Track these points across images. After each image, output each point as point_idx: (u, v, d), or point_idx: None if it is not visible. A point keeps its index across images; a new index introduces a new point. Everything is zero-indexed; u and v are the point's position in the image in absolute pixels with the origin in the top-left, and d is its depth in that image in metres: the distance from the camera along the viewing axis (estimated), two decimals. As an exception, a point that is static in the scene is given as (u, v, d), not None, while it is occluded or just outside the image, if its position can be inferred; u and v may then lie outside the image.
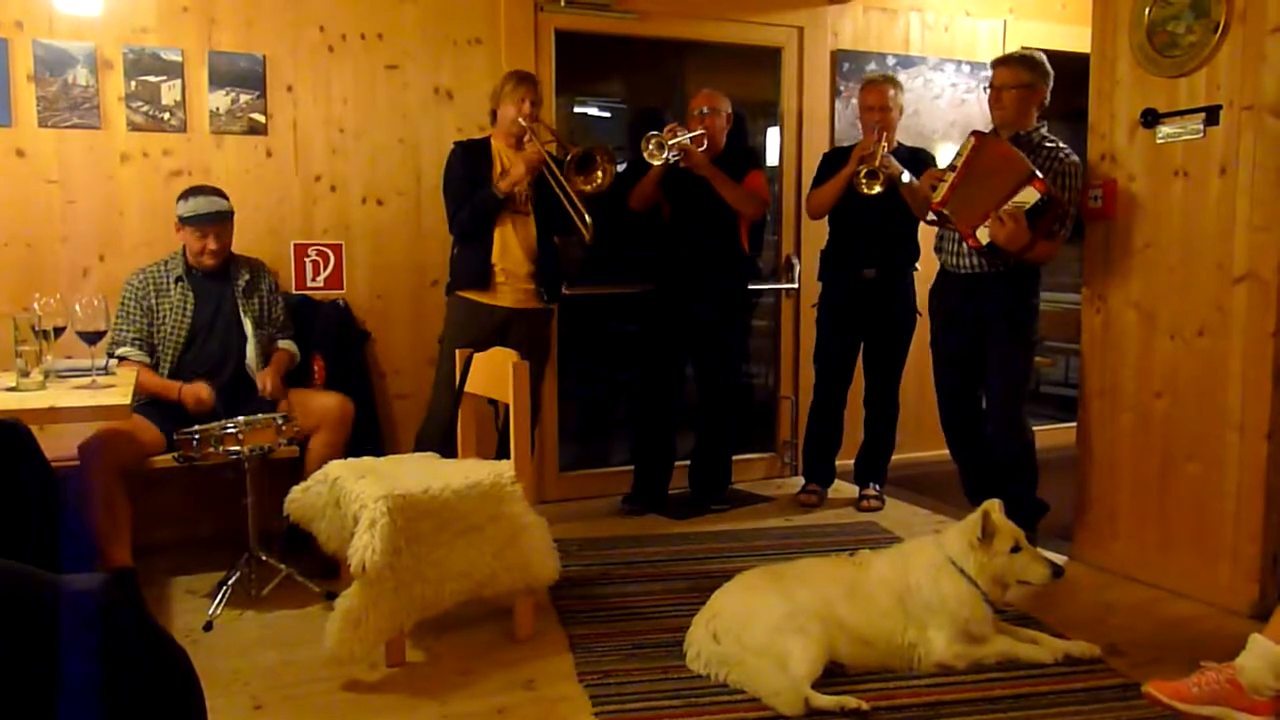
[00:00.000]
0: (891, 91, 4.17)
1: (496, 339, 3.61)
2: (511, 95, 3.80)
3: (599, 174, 3.77)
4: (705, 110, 4.16)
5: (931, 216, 3.71)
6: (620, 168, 4.69)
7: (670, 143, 3.97)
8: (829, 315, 4.40)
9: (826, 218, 4.37)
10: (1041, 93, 3.58)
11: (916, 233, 4.33)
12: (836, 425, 4.46)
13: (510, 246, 3.83)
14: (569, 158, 3.75)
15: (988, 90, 3.71)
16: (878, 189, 3.94)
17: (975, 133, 3.55)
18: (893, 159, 4.02)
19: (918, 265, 4.40)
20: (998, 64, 3.68)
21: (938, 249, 3.81)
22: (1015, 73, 3.58)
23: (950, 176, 3.51)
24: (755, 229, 4.39)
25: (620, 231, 4.48)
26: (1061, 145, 3.53)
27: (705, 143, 4.10)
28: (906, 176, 4.05)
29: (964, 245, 3.61)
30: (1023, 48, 3.79)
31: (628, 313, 4.56)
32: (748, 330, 4.42)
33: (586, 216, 3.70)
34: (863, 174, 3.95)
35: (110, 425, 3.09)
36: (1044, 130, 3.60)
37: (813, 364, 4.53)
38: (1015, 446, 3.67)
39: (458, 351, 3.35)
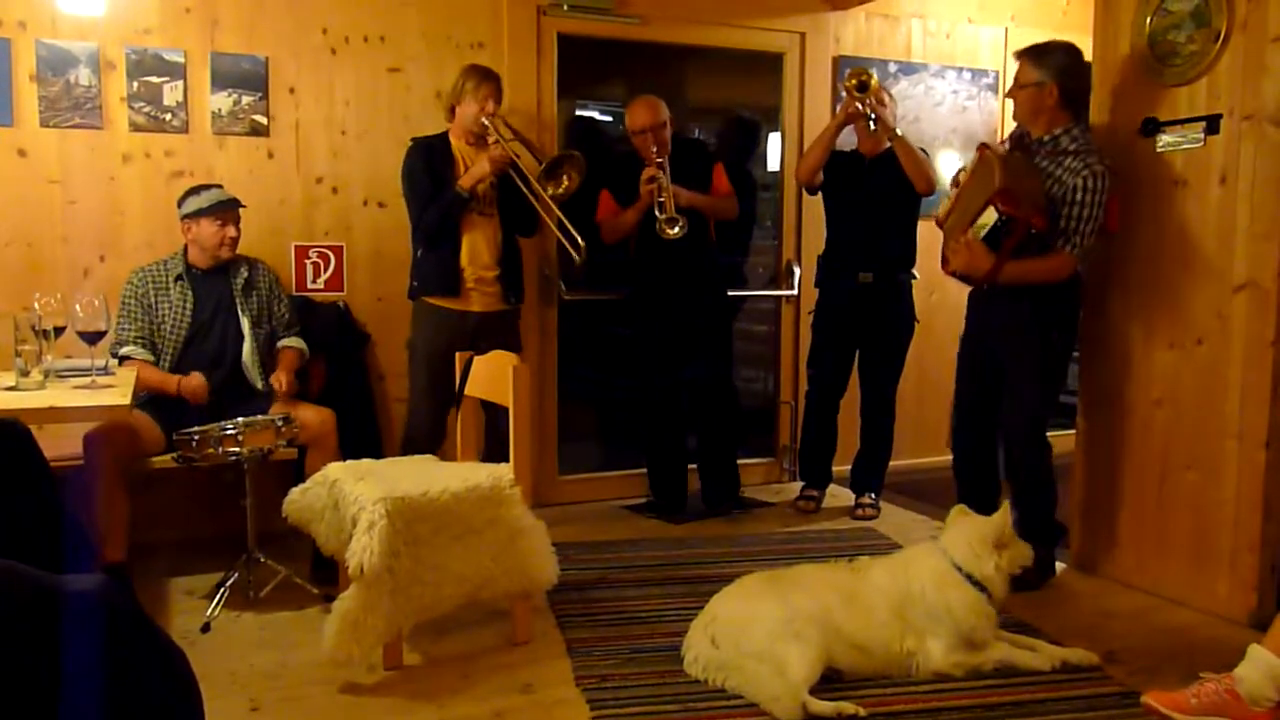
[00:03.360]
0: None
1: (469, 345, 3.53)
2: (474, 93, 3.72)
3: (565, 179, 3.74)
4: (651, 128, 4.05)
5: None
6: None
7: (669, 207, 3.94)
8: (826, 320, 4.37)
9: (825, 224, 4.38)
10: (1054, 93, 3.26)
11: (915, 237, 4.33)
12: (830, 429, 4.45)
13: (478, 250, 3.79)
14: (541, 166, 3.72)
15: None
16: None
17: (981, 146, 3.47)
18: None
19: (915, 273, 4.39)
20: (1016, 56, 3.43)
21: None
22: (1025, 70, 3.33)
23: (953, 193, 3.45)
24: (740, 226, 4.35)
25: (594, 237, 4.47)
26: (1087, 154, 3.23)
27: (666, 162, 4.04)
28: (901, 130, 4.06)
29: None
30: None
31: (626, 317, 4.56)
32: (730, 330, 4.42)
33: (579, 239, 3.69)
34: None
35: (115, 420, 3.08)
36: (1075, 132, 3.30)
37: (806, 368, 4.53)
38: (1027, 464, 3.46)
39: (458, 355, 3.35)
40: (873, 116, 4.02)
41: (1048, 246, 3.25)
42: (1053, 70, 3.29)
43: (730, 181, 4.27)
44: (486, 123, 3.72)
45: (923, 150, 4.21)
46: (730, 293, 4.54)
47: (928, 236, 5.15)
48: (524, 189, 3.76)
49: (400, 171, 3.84)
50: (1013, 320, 3.40)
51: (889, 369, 4.35)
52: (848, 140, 4.30)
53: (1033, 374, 3.40)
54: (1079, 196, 3.20)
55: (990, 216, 3.23)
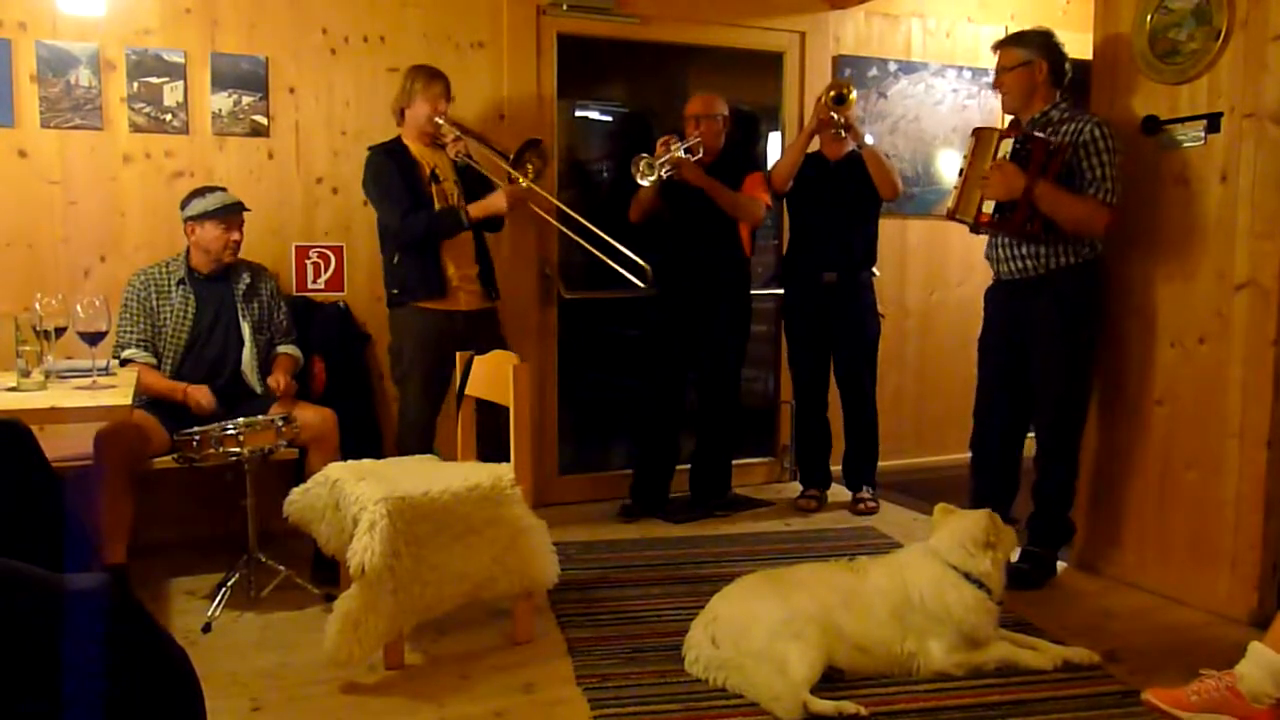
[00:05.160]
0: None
1: (460, 345, 3.48)
2: (425, 93, 3.69)
3: (529, 167, 3.76)
4: (700, 116, 4.16)
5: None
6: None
7: (661, 161, 3.97)
8: (795, 321, 4.43)
9: (789, 225, 4.44)
10: (1043, 69, 3.34)
11: (876, 237, 4.38)
12: (823, 428, 4.48)
13: (460, 250, 3.76)
14: (511, 159, 3.74)
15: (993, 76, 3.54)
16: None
17: (975, 131, 3.51)
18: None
19: (876, 270, 4.43)
20: (994, 48, 3.50)
21: (987, 255, 3.58)
22: (1009, 53, 3.40)
23: (959, 182, 3.46)
24: (752, 230, 4.39)
25: (620, 237, 4.48)
26: (1081, 113, 3.32)
27: (701, 151, 4.09)
28: (870, 139, 4.14)
29: (1009, 249, 3.39)
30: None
31: (628, 317, 4.56)
32: (748, 334, 4.43)
33: (642, 264, 3.76)
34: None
35: (124, 420, 3.08)
36: (1062, 105, 3.37)
37: (789, 371, 4.55)
38: (1056, 468, 3.45)
39: (458, 354, 3.34)
40: (845, 126, 4.13)
41: (1051, 171, 3.23)
42: (1038, 48, 3.37)
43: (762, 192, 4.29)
44: (440, 122, 3.70)
45: (887, 155, 4.27)
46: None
47: (925, 235, 5.16)
48: (574, 218, 3.80)
49: (365, 179, 3.75)
50: (1042, 318, 3.37)
51: (862, 364, 4.38)
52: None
53: (1063, 373, 3.39)
54: (1093, 147, 3.23)
55: (1006, 148, 3.26)
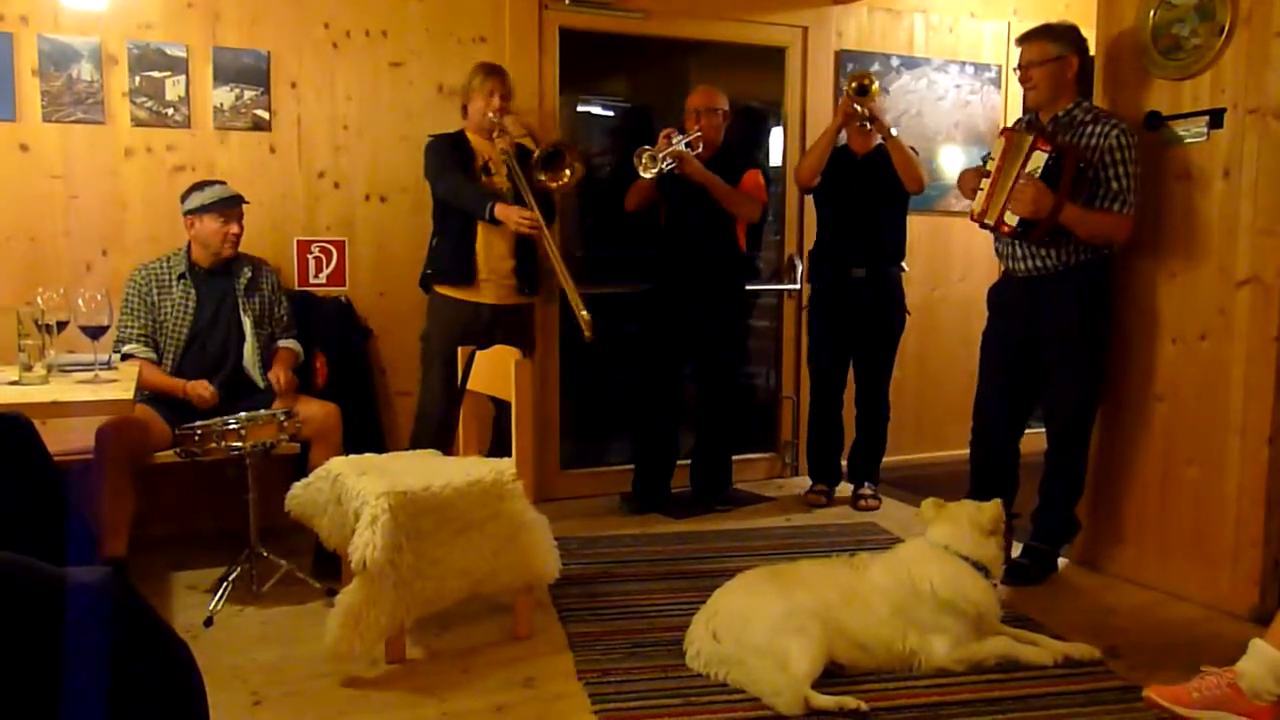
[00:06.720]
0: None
1: (484, 337, 3.52)
2: (480, 88, 3.80)
3: (566, 171, 3.78)
4: (701, 110, 4.15)
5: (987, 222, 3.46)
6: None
7: (663, 154, 3.96)
8: (820, 316, 4.41)
9: (817, 220, 4.41)
10: (1074, 65, 3.28)
11: (905, 231, 4.36)
12: (836, 425, 4.47)
13: (494, 243, 3.81)
14: (536, 156, 3.75)
15: (1017, 71, 3.45)
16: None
17: (1004, 131, 3.42)
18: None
19: (905, 266, 4.41)
20: (1021, 40, 3.39)
21: (997, 251, 3.56)
22: (1041, 47, 3.30)
23: (986, 184, 3.35)
24: (755, 228, 4.38)
25: (619, 232, 4.48)
26: (1107, 116, 3.27)
27: (701, 145, 4.09)
28: (895, 130, 4.10)
29: (1029, 246, 3.34)
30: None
31: (628, 312, 4.56)
32: (745, 330, 4.42)
33: (584, 311, 3.58)
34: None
35: (126, 414, 3.08)
36: (1086, 104, 3.33)
37: (807, 365, 4.55)
38: (1067, 464, 3.46)
39: (460, 349, 3.35)
40: (870, 118, 4.10)
41: (1081, 194, 3.22)
42: (1071, 43, 3.31)
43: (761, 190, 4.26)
44: (493, 117, 3.77)
45: (912, 149, 4.24)
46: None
47: (927, 231, 5.16)
48: (548, 244, 3.72)
49: (425, 162, 3.84)
50: (1060, 314, 3.35)
51: (884, 360, 4.38)
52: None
53: (1080, 369, 3.38)
54: (1119, 155, 3.20)
55: (1039, 160, 3.19)
